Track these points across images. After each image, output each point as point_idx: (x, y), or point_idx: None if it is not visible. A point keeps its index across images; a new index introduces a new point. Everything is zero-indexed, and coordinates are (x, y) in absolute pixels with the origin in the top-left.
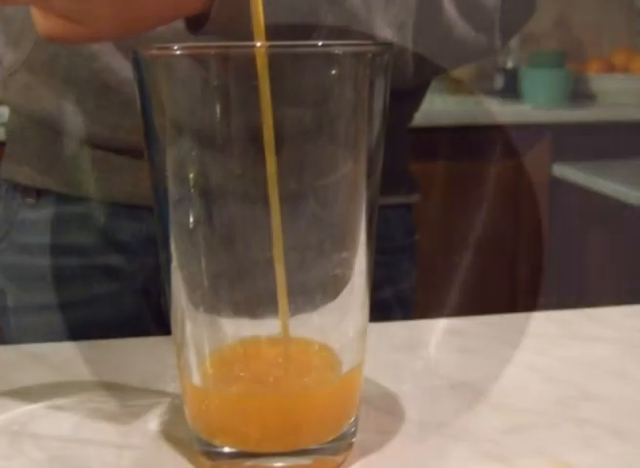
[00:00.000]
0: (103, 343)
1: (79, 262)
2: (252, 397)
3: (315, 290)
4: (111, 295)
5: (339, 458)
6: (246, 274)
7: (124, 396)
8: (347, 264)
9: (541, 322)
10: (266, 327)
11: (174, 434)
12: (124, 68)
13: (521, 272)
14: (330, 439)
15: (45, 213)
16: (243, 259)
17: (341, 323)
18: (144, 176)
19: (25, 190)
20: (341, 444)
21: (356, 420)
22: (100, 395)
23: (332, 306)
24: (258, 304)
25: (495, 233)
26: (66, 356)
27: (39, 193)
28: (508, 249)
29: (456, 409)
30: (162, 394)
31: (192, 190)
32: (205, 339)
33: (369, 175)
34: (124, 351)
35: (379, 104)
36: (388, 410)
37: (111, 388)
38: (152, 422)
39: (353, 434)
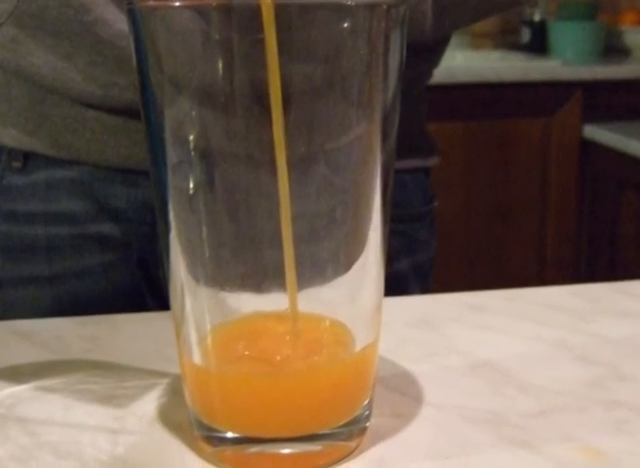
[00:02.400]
0: (96, 319)
1: (70, 231)
2: (257, 377)
3: (326, 261)
4: (104, 267)
5: (351, 444)
6: (251, 244)
7: (118, 376)
8: (361, 234)
9: (570, 296)
10: (273, 301)
11: (172, 418)
12: (118, 21)
13: (549, 242)
14: (342, 423)
15: (33, 177)
16: (248, 228)
17: (354, 297)
18: (140, 138)
19: (11, 153)
20: (354, 428)
21: (370, 403)
22: (92, 375)
23: (344, 279)
24: (263, 277)
25: (520, 200)
26: (56, 333)
27: (26, 156)
28: (535, 217)
29: (477, 390)
30: (160, 374)
31: (192, 153)
32: (206, 315)
33: (384, 137)
34: (118, 328)
35: (394, 60)
36: (405, 392)
37: (105, 368)
38: (149, 405)
39: (367, 418)
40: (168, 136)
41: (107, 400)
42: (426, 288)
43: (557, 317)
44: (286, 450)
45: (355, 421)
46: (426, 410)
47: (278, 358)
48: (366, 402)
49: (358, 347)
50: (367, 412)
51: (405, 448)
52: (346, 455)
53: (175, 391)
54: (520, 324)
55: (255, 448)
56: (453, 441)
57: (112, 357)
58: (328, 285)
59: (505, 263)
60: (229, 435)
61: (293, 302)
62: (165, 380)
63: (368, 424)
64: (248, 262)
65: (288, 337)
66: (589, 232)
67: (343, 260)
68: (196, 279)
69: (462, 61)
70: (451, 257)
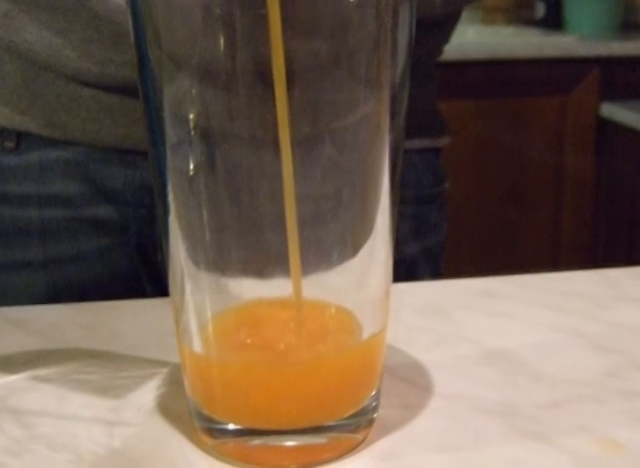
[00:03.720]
0: (92, 306)
1: (64, 214)
2: (260, 366)
3: (332, 245)
4: (101, 251)
5: (358, 436)
6: (253, 228)
7: (115, 366)
8: (368, 216)
9: (587, 282)
10: (276, 287)
11: (171, 409)
12: None
13: (564, 225)
14: (348, 414)
15: (26, 158)
16: (250, 211)
17: (361, 283)
18: (138, 117)
19: (4, 133)
20: (361, 420)
21: (378, 393)
22: (88, 365)
23: (350, 264)
24: (266, 262)
25: (534, 181)
26: (50, 320)
27: (19, 136)
28: (550, 199)
29: (489, 380)
30: (159, 363)
31: (192, 133)
32: (207, 301)
33: (392, 116)
34: (115, 315)
35: (403, 36)
36: (414, 382)
37: (101, 357)
38: (147, 396)
39: (375, 409)
40: (167, 114)
41: (104, 390)
42: (437, 273)
43: (572, 303)
44: (290, 443)
45: (362, 412)
46: (436, 401)
47: (282, 346)
48: (373, 392)
49: (365, 335)
50: (374, 403)
51: (414, 439)
52: (353, 448)
53: (174, 381)
54: (534, 311)
55: (257, 441)
56: (463, 432)
57: (109, 345)
58: (334, 270)
59: (519, 248)
60: (231, 427)
61: (297, 288)
62: (164, 370)
63: (375, 415)
64: (250, 247)
65: (292, 325)
66: (607, 215)
67: (350, 244)
68: (196, 264)
69: (474, 37)
70: (462, 241)
